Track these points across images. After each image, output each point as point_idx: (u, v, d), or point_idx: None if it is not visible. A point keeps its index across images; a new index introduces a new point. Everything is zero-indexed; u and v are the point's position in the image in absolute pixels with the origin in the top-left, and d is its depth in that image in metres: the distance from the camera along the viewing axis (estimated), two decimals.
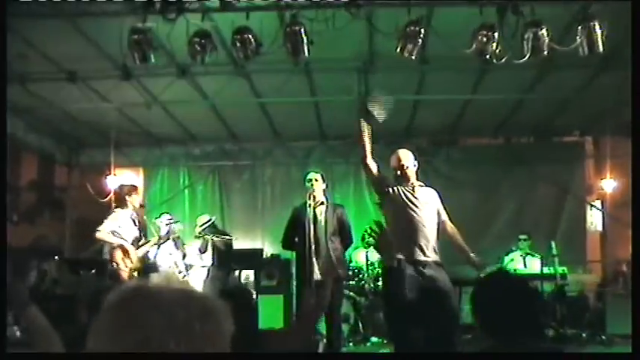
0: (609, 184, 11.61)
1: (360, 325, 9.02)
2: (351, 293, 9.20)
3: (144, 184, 12.67)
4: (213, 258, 9.38)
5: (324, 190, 6.97)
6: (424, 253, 5.48)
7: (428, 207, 5.71)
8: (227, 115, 10.56)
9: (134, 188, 8.06)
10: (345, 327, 8.74)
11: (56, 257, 9.86)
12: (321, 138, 11.85)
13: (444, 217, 5.91)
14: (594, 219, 12.71)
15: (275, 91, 9.02)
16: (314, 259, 6.63)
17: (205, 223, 9.64)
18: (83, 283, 8.40)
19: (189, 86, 8.86)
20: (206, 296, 1.34)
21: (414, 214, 5.58)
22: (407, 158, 5.80)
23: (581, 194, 12.19)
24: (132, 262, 7.46)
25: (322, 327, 7.04)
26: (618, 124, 10.49)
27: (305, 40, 6.45)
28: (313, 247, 6.66)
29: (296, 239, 6.96)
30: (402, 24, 6.45)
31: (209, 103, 9.83)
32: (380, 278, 9.46)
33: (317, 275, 6.62)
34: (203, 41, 6.60)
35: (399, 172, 5.75)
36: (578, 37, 6.31)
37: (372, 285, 9.42)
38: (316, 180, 6.94)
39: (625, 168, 12.69)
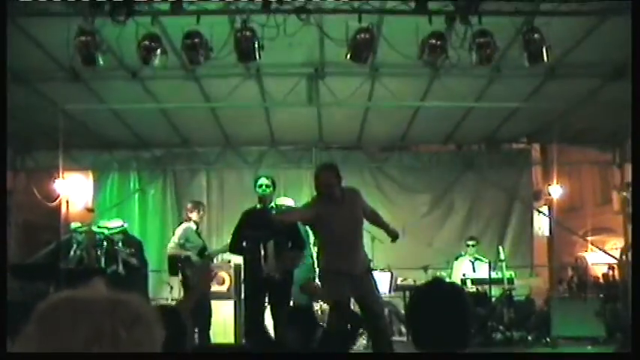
0: (556, 190, 11.91)
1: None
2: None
3: (93, 188, 12.47)
4: (123, 267, 9.27)
5: (272, 196, 6.96)
6: (355, 266, 5.82)
7: (353, 216, 5.94)
8: (178, 119, 10.47)
9: (197, 205, 8.73)
10: None
11: None
12: (272, 143, 11.85)
13: (367, 207, 6.26)
14: (541, 224, 13.03)
15: (226, 96, 8.98)
16: (261, 264, 6.61)
17: (117, 226, 9.52)
18: (27, 289, 8.22)
19: (139, 89, 8.75)
20: (136, 303, 1.33)
21: (341, 231, 5.82)
22: (331, 177, 5.89)
23: (529, 200, 12.47)
24: (198, 272, 7.90)
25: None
26: (565, 132, 10.77)
27: (256, 46, 6.45)
28: (261, 251, 6.64)
29: (244, 244, 6.92)
30: (352, 31, 6.51)
31: (160, 107, 9.72)
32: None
33: (264, 280, 6.59)
34: (153, 44, 6.55)
35: (325, 190, 5.89)
36: (522, 48, 6.47)
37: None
38: (267, 185, 6.92)
39: (571, 174, 13.12)
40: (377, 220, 6.41)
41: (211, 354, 2.80)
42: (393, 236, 6.27)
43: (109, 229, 9.55)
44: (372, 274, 6.23)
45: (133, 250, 9.38)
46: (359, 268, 5.87)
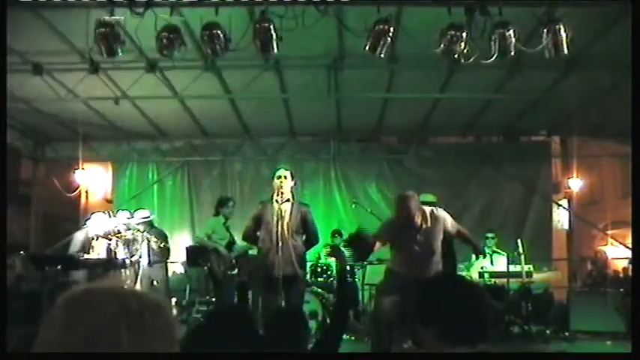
0: (576, 183, 11.79)
1: (329, 321, 9.03)
2: (320, 290, 9.22)
3: (112, 179, 12.57)
4: (148, 257, 9.36)
5: (291, 188, 6.94)
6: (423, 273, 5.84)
7: (430, 242, 6.08)
8: (196, 110, 10.51)
9: (226, 200, 8.87)
10: (313, 324, 8.75)
11: (21, 252, 9.70)
12: (291, 135, 11.85)
13: (450, 227, 6.30)
14: (561, 217, 12.91)
15: (245, 87, 9.00)
16: (276, 256, 6.62)
17: (144, 217, 9.62)
18: (48, 279, 8.30)
19: (159, 81, 8.78)
20: (156, 296, 1.36)
21: (417, 255, 6.00)
22: (412, 207, 6.05)
23: (548, 193, 12.36)
24: (224, 264, 8.31)
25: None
26: (585, 125, 10.67)
27: (274, 37, 6.44)
28: (276, 243, 6.63)
29: (258, 233, 6.93)
30: (371, 22, 6.48)
31: (178, 99, 9.76)
32: (348, 275, 9.54)
33: (278, 272, 6.59)
34: (171, 36, 6.56)
35: (405, 220, 6.06)
36: (543, 39, 6.39)
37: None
38: (285, 177, 6.89)
39: (591, 167, 12.97)
40: (463, 238, 6.55)
41: (211, 354, 2.79)
42: (477, 253, 6.86)
43: (136, 217, 9.65)
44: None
45: (159, 241, 9.49)
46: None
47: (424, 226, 6.07)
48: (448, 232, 6.26)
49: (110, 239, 9.45)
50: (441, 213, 6.30)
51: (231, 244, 8.51)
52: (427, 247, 6.06)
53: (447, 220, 6.29)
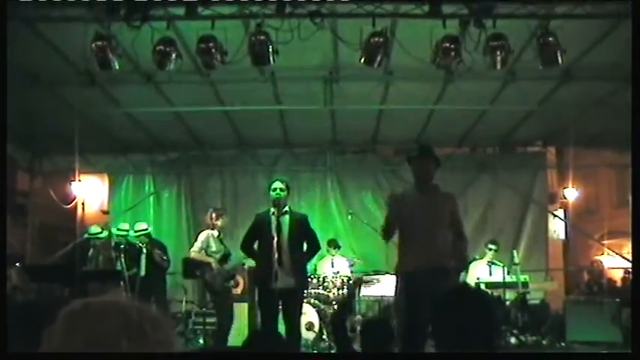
0: (571, 193, 11.82)
1: (325, 333, 9.03)
2: (316, 301, 9.22)
3: (108, 190, 12.57)
4: (147, 269, 9.37)
5: (287, 200, 6.97)
6: (435, 260, 5.37)
7: (437, 212, 5.58)
8: (192, 122, 10.52)
9: (220, 212, 8.71)
10: (310, 335, 8.75)
11: (17, 264, 9.68)
12: (287, 146, 11.87)
13: (456, 217, 5.75)
14: (557, 227, 12.93)
15: (240, 99, 9.03)
16: (276, 268, 6.62)
17: (142, 229, 9.65)
18: (44, 290, 8.30)
19: (155, 93, 8.81)
20: (155, 310, 1.38)
21: (422, 220, 5.51)
22: (426, 168, 5.71)
23: (544, 203, 12.39)
24: (220, 277, 8.20)
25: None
26: (580, 135, 10.71)
27: (270, 49, 6.48)
28: (276, 255, 6.64)
29: (255, 245, 6.94)
30: (366, 35, 6.52)
31: (174, 110, 9.78)
32: (344, 287, 9.54)
33: (278, 284, 6.60)
34: (168, 49, 6.60)
35: (418, 177, 5.72)
36: (537, 51, 6.45)
37: (337, 293, 9.46)
38: (282, 189, 6.92)
39: (587, 177, 13.02)
40: (455, 241, 5.68)
41: (212, 354, 2.82)
42: (459, 266, 5.79)
43: (135, 231, 9.65)
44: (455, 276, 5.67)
45: (158, 252, 9.51)
46: (442, 263, 5.35)
47: (435, 193, 5.65)
48: (452, 221, 5.67)
49: (109, 251, 9.47)
50: (453, 197, 5.87)
51: (226, 256, 8.49)
52: (434, 214, 5.52)
53: (457, 209, 5.79)
